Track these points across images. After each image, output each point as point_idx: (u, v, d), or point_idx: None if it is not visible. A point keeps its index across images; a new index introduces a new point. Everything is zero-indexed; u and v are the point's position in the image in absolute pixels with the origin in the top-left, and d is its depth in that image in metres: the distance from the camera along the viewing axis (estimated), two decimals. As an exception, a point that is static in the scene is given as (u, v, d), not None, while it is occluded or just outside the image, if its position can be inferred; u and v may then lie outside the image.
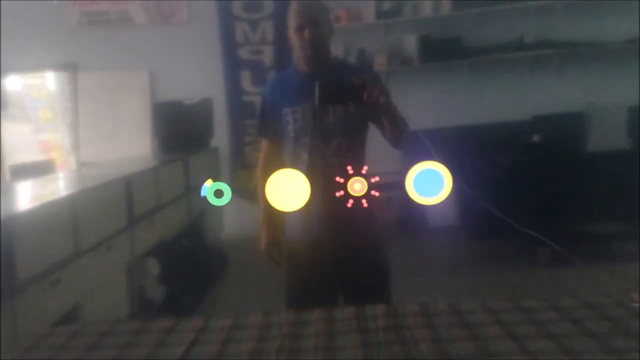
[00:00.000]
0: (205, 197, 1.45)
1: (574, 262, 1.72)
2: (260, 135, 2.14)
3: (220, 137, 5.05)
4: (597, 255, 3.75)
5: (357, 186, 1.41)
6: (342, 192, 1.41)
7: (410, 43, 5.21)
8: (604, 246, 3.99)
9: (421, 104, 4.89)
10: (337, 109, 1.87)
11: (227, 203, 1.47)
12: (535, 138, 4.55)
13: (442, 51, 5.08)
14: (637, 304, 1.30)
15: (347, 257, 1.89)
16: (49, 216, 2.36)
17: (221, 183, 1.46)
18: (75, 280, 2.49)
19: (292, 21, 1.90)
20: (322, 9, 1.95)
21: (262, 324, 1.36)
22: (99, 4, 5.44)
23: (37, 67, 5.48)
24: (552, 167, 4.13)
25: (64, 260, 2.40)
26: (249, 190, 4.05)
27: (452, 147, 3.09)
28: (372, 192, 1.41)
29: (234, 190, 1.52)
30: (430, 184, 1.36)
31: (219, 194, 1.45)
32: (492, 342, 1.17)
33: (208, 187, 1.44)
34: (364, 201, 1.41)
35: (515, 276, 3.75)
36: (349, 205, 1.41)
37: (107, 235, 2.82)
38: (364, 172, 1.39)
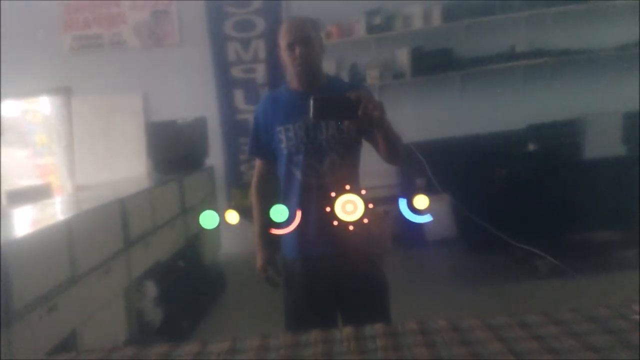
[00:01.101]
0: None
1: (571, 272, 1.71)
2: (253, 155, 2.14)
3: (215, 156, 5.05)
4: (598, 263, 3.74)
5: (352, 204, 1.40)
6: (337, 210, 1.40)
7: (402, 56, 5.23)
8: (605, 254, 3.97)
9: (415, 116, 4.90)
10: (329, 126, 1.87)
11: (217, 226, 1.46)
12: (531, 147, 4.55)
13: (434, 63, 5.10)
14: (638, 316, 1.29)
15: (345, 275, 1.88)
16: (46, 241, 2.35)
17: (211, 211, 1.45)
18: (73, 306, 2.46)
19: (283, 39, 1.91)
20: (312, 27, 1.96)
21: (260, 347, 1.34)
22: (92, 28, 5.46)
23: (32, 92, 5.49)
24: (549, 175, 4.12)
25: (60, 286, 2.38)
26: (245, 209, 4.04)
27: (446, 158, 3.09)
28: (368, 208, 1.40)
29: (230, 209, 1.51)
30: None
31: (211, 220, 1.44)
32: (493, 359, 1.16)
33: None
34: (360, 218, 1.40)
35: (515, 288, 3.73)
36: (345, 223, 1.41)
37: (103, 258, 2.80)
38: (359, 188, 1.38)
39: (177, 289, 3.58)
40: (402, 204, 1.32)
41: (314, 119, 1.60)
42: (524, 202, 3.95)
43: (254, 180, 2.13)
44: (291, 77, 2.00)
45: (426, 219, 1.40)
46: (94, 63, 5.37)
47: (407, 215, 1.40)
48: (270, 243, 2.05)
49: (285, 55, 1.93)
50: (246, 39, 5.32)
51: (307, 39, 1.90)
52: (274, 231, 1.55)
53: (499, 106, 5.11)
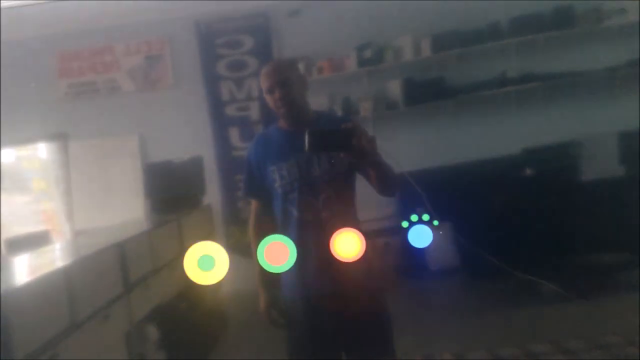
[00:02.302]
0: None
1: (576, 299, 1.70)
2: (249, 196, 2.14)
3: (212, 194, 5.04)
4: (602, 287, 3.70)
5: (351, 239, 1.39)
6: (336, 246, 1.39)
7: (394, 87, 5.28)
8: (610, 277, 3.93)
9: (410, 145, 4.91)
10: (322, 161, 1.87)
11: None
12: (527, 171, 4.56)
13: (426, 93, 5.14)
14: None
15: (347, 313, 1.85)
16: (45, 289, 2.32)
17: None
18: (74, 354, 2.42)
19: (263, 84, 1.95)
20: (290, 69, 1.99)
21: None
22: (86, 76, 5.52)
23: (29, 139, 5.52)
24: (547, 198, 4.11)
25: (61, 334, 2.35)
26: (244, 246, 4.03)
27: (444, 187, 3.08)
28: (368, 242, 1.40)
29: (228, 247, 1.50)
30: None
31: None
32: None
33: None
34: (360, 253, 1.39)
35: (520, 315, 3.66)
36: (345, 259, 1.40)
37: (103, 303, 2.77)
38: (357, 221, 1.37)
39: (178, 331, 3.53)
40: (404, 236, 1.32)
41: (309, 152, 1.61)
42: (524, 227, 3.93)
43: (251, 221, 2.12)
44: (279, 117, 2.02)
45: (429, 246, 1.40)
46: (90, 108, 5.42)
47: (411, 244, 1.40)
48: (272, 282, 2.04)
49: (267, 99, 1.96)
50: (239, 78, 5.39)
51: (284, 81, 1.92)
52: (274, 269, 1.54)
53: (494, 132, 5.13)
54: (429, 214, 1.78)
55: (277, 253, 1.41)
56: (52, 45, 5.54)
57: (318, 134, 1.55)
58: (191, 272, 1.40)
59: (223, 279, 1.41)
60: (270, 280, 2.04)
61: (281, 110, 1.90)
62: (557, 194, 4.10)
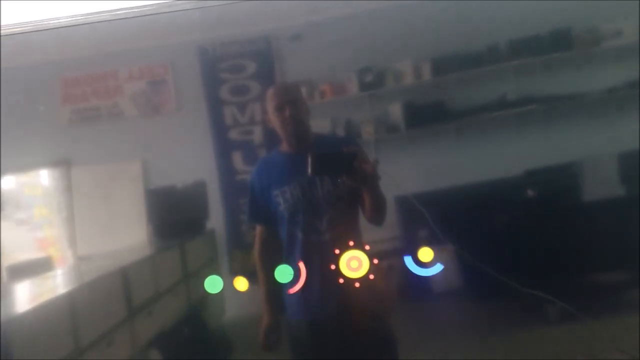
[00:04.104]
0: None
1: (582, 317, 1.69)
2: (253, 221, 2.16)
3: (216, 219, 5.04)
4: (607, 305, 3.70)
5: (356, 260, 1.39)
6: (341, 267, 1.39)
7: (395, 111, 5.30)
8: (614, 296, 3.93)
9: (412, 168, 4.91)
10: (324, 183, 1.89)
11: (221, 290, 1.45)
12: (530, 192, 4.56)
13: (427, 116, 5.16)
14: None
15: (351, 334, 1.85)
16: (48, 316, 2.33)
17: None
18: (76, 382, 2.41)
19: (271, 102, 1.97)
20: (297, 91, 2.02)
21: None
22: (90, 101, 5.56)
23: (31, 165, 5.53)
24: (550, 219, 4.11)
25: (63, 362, 2.34)
26: (248, 271, 4.02)
27: (446, 209, 3.09)
28: (374, 263, 1.40)
29: (232, 272, 1.51)
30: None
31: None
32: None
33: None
34: (365, 274, 1.39)
35: (525, 336, 3.64)
36: (350, 280, 1.40)
37: (106, 329, 2.76)
38: (361, 242, 1.38)
39: (182, 357, 3.52)
40: (408, 260, 1.32)
41: (312, 175, 1.62)
42: (528, 248, 3.93)
43: (256, 246, 2.14)
44: (282, 139, 2.04)
45: (436, 269, 1.39)
46: (93, 134, 5.44)
47: (414, 271, 1.40)
48: (277, 308, 2.04)
49: (274, 118, 1.98)
50: (242, 102, 5.42)
51: (294, 101, 1.95)
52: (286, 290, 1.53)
53: (495, 154, 5.14)
54: (434, 234, 1.79)
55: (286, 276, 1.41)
56: (56, 71, 5.60)
57: (320, 157, 1.57)
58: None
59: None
60: (275, 305, 2.04)
61: (289, 128, 1.93)
62: (559, 214, 4.10)
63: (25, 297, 2.80)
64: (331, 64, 5.13)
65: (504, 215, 4.36)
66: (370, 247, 1.40)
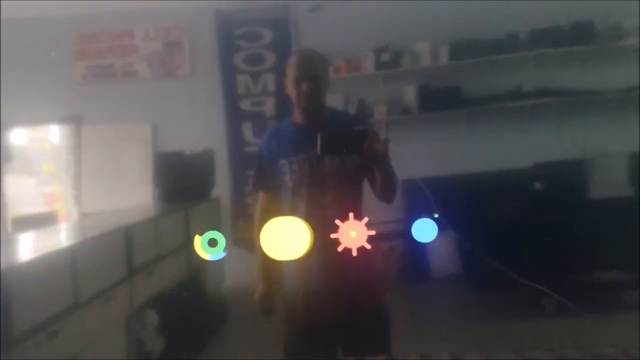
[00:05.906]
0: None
1: (579, 311, 1.69)
2: (257, 188, 2.14)
3: (222, 188, 5.05)
4: (604, 303, 3.69)
5: (355, 235, 1.39)
6: (340, 241, 1.39)
7: (410, 93, 5.27)
8: (612, 294, 3.92)
9: (421, 152, 4.90)
10: (333, 159, 1.87)
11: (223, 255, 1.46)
12: (537, 185, 4.54)
13: (441, 101, 5.13)
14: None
15: (346, 308, 1.86)
16: (48, 267, 2.34)
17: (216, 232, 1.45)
18: (73, 333, 2.44)
19: (291, 72, 1.93)
20: (321, 63, 1.98)
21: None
22: (104, 58, 5.56)
23: (42, 120, 5.55)
24: (554, 214, 4.10)
25: (62, 313, 2.37)
26: (250, 241, 4.04)
27: (452, 195, 3.08)
28: (371, 241, 1.40)
29: (235, 241, 1.52)
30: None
31: (212, 243, 1.44)
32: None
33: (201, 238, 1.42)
34: (363, 250, 1.39)
35: (520, 327, 3.66)
36: (348, 255, 1.40)
37: (106, 286, 2.78)
38: (362, 220, 1.37)
39: (179, 319, 3.54)
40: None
41: (321, 154, 1.61)
42: (530, 240, 3.92)
43: (256, 213, 2.13)
44: (295, 110, 2.02)
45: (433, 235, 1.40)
46: (105, 92, 5.44)
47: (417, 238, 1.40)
48: (272, 276, 2.05)
49: (291, 87, 1.95)
50: (256, 72, 5.40)
51: (315, 76, 1.92)
52: (278, 258, 1.53)
53: (505, 144, 5.11)
54: (435, 215, 1.79)
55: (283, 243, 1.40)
56: (72, 25, 5.58)
57: (330, 137, 1.55)
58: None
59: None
60: (270, 272, 2.05)
61: (303, 104, 1.89)
62: (565, 209, 4.08)
63: (28, 248, 2.82)
64: (348, 40, 5.09)
65: (508, 206, 4.35)
66: (372, 225, 1.40)
